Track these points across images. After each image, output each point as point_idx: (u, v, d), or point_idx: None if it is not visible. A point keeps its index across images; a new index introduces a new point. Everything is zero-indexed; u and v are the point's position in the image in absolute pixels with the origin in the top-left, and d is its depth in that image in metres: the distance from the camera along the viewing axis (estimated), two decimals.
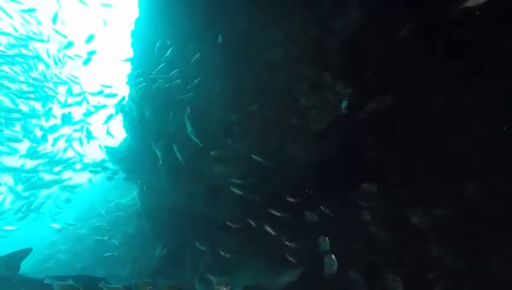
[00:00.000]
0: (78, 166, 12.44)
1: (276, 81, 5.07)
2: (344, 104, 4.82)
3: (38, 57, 10.64)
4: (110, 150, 9.46)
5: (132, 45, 7.50)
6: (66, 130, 12.03)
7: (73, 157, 12.53)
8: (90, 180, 15.26)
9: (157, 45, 6.40)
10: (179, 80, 6.32)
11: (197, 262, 7.78)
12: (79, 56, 10.81)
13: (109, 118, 10.11)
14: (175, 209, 8.23)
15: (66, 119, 11.09)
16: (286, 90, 5.01)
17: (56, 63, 11.30)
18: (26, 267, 12.22)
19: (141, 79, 7.26)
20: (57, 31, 10.63)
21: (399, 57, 4.78)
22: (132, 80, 7.49)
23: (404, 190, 4.72)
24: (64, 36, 10.71)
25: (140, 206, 9.54)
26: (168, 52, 6.39)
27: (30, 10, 10.53)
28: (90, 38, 9.59)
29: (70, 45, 10.36)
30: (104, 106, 10.88)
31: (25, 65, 10.24)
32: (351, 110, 4.71)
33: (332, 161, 5.38)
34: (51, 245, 13.32)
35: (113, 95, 10.06)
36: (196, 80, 5.95)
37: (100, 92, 10.61)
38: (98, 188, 18.03)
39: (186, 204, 7.78)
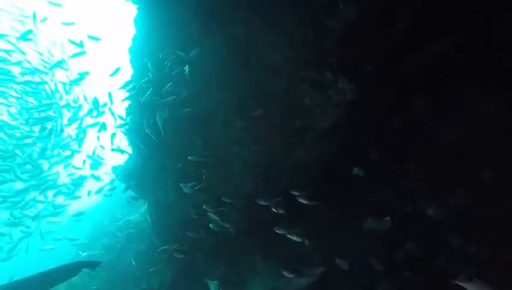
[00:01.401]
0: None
1: (278, 84, 5.09)
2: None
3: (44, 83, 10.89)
4: (116, 169, 9.47)
5: (131, 61, 7.59)
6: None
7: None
8: (89, 193, 15.67)
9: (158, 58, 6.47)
10: (173, 97, 6.38)
11: (210, 273, 7.71)
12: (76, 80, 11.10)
13: (102, 128, 10.44)
14: (184, 221, 8.20)
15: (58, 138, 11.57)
16: (289, 92, 5.02)
17: (60, 91, 11.60)
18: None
19: (133, 92, 7.45)
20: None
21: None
22: (133, 95, 7.56)
23: (416, 182, 4.67)
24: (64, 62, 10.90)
25: (150, 222, 9.51)
26: (150, 74, 6.51)
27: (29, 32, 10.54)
28: (79, 54, 9.61)
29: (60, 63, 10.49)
30: (97, 123, 11.08)
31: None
32: (356, 106, 4.70)
33: (340, 158, 5.35)
34: None
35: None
36: (184, 94, 6.03)
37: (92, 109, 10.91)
38: (104, 207, 18.04)
39: (195, 215, 7.76)
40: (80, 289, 10.77)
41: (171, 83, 6.35)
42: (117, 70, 8.66)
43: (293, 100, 4.98)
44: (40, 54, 10.92)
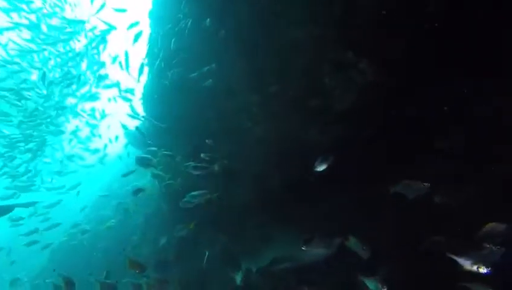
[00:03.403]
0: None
1: (297, 62, 4.94)
2: None
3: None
4: (129, 134, 9.62)
5: (150, 25, 7.45)
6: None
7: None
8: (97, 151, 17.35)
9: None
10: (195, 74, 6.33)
11: (214, 242, 7.96)
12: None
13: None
14: (191, 190, 8.38)
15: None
16: (308, 70, 4.88)
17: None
18: (54, 245, 13.16)
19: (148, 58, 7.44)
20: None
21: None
22: (150, 59, 7.50)
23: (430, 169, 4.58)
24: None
25: (158, 188, 9.78)
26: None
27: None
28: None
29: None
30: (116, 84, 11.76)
31: None
32: (376, 88, 4.55)
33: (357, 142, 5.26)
34: (75, 225, 13.88)
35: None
36: (205, 68, 5.99)
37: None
38: (114, 170, 18.53)
39: (203, 186, 7.90)
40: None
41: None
42: (135, 24, 8.46)
43: (312, 79, 4.85)
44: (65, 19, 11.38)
